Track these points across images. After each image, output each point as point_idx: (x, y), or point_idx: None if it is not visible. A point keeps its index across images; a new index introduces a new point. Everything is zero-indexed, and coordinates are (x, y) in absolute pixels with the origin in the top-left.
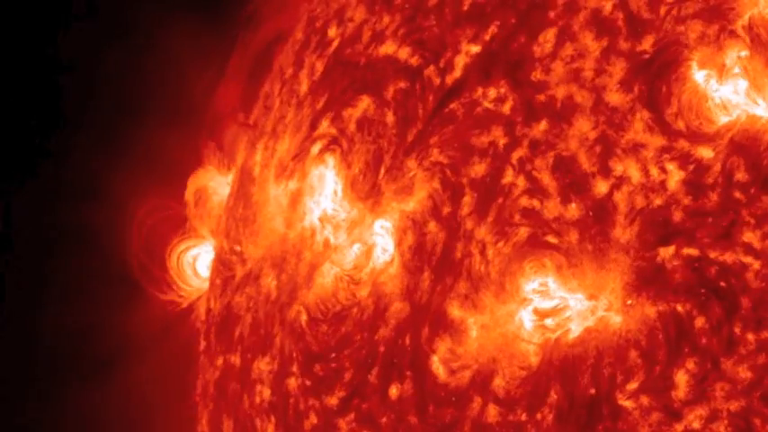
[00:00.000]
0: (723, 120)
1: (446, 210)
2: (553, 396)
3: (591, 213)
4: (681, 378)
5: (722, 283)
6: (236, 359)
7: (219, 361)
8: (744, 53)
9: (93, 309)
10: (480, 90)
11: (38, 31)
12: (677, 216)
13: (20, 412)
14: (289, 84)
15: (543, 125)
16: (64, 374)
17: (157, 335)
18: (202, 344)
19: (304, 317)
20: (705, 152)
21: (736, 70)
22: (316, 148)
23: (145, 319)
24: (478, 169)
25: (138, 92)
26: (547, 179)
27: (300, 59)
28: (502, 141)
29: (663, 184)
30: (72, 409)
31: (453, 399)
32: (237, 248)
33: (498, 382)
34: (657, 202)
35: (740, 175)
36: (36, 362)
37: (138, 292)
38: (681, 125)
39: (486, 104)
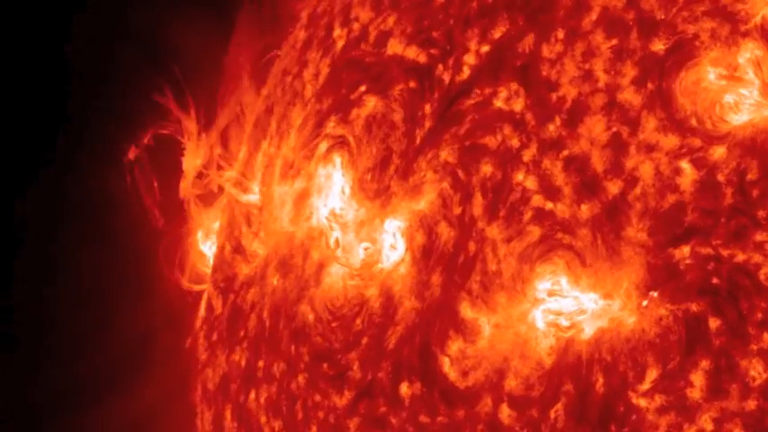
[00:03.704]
0: (736, 119)
1: (457, 210)
2: (566, 395)
3: (603, 213)
4: (695, 377)
5: (736, 283)
6: (240, 358)
7: (223, 360)
8: (757, 52)
9: (99, 310)
10: (490, 89)
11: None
12: (690, 215)
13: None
14: (292, 83)
15: (555, 125)
16: (68, 377)
17: (160, 335)
18: (203, 343)
19: (311, 316)
20: (718, 152)
21: (750, 70)
22: (323, 148)
23: (147, 319)
24: (489, 169)
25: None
26: (559, 179)
27: (304, 59)
28: (513, 141)
29: (676, 183)
30: (75, 411)
31: (465, 398)
32: (240, 248)
33: (511, 382)
34: (670, 201)
35: (753, 175)
36: (41, 364)
37: (140, 294)
38: (694, 124)
39: (497, 104)
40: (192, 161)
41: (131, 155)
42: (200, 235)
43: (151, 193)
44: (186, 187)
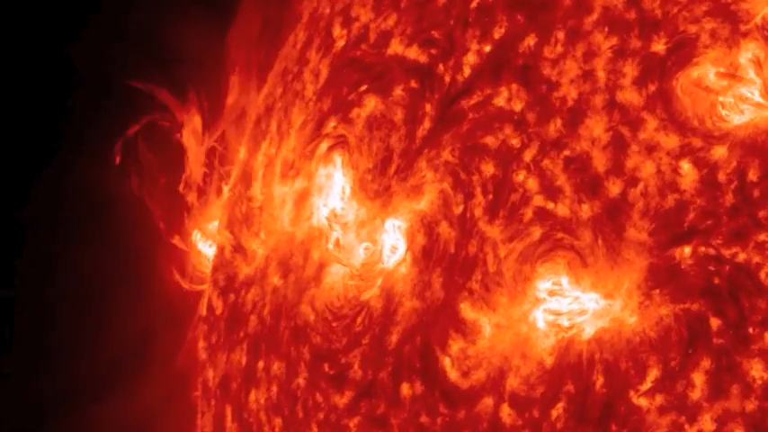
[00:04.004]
0: (737, 119)
1: (458, 210)
2: (567, 395)
3: (604, 213)
4: (696, 378)
5: (737, 283)
6: (241, 358)
7: (223, 360)
8: (758, 52)
9: (99, 310)
10: (491, 89)
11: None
12: (692, 216)
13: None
14: (292, 83)
15: (556, 125)
16: (68, 377)
17: (160, 335)
18: (203, 343)
19: (312, 316)
20: (719, 152)
21: (751, 70)
22: (323, 147)
23: (147, 319)
24: (490, 169)
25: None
26: (560, 179)
27: (304, 58)
28: (514, 141)
29: (677, 183)
30: (75, 411)
31: (465, 398)
32: (240, 248)
33: (511, 382)
34: (671, 201)
35: (754, 176)
36: (40, 364)
37: (140, 294)
38: (695, 124)
39: (498, 104)
40: (192, 159)
41: (119, 147)
42: (199, 235)
43: (151, 192)
44: (187, 186)
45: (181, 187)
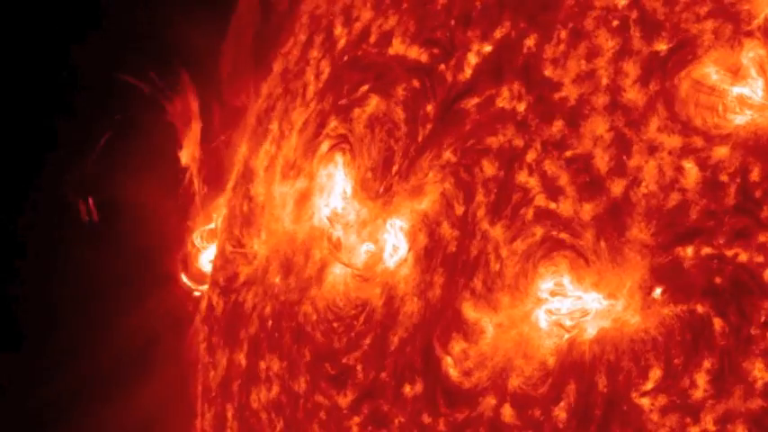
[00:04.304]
0: (739, 119)
1: (459, 210)
2: (569, 395)
3: (606, 213)
4: (698, 378)
5: (739, 283)
6: (241, 358)
7: (224, 360)
8: (760, 52)
9: (101, 311)
10: (493, 90)
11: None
12: (694, 215)
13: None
14: (294, 83)
15: (558, 125)
16: (70, 378)
17: (162, 335)
18: (205, 344)
19: (314, 316)
20: (721, 152)
21: (753, 69)
22: (324, 147)
23: (149, 320)
24: (492, 169)
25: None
26: (562, 179)
27: (305, 58)
28: (516, 141)
29: (679, 183)
30: (77, 411)
31: (467, 398)
32: (242, 248)
33: (513, 382)
34: (674, 201)
35: (756, 176)
36: (43, 365)
37: (142, 294)
38: (697, 124)
39: (500, 104)
40: (192, 159)
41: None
42: (201, 234)
43: (152, 192)
44: (187, 185)
45: (180, 186)
